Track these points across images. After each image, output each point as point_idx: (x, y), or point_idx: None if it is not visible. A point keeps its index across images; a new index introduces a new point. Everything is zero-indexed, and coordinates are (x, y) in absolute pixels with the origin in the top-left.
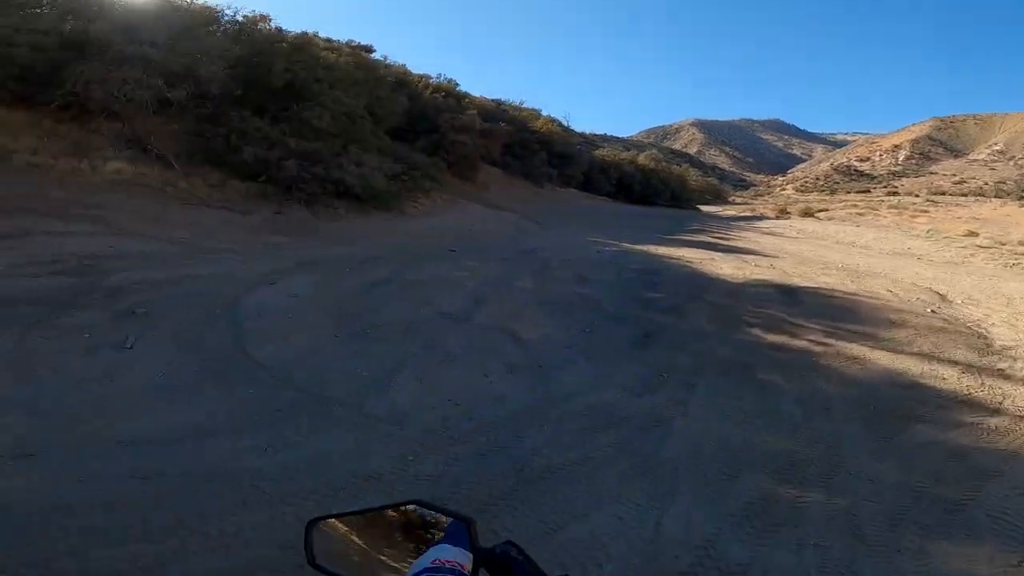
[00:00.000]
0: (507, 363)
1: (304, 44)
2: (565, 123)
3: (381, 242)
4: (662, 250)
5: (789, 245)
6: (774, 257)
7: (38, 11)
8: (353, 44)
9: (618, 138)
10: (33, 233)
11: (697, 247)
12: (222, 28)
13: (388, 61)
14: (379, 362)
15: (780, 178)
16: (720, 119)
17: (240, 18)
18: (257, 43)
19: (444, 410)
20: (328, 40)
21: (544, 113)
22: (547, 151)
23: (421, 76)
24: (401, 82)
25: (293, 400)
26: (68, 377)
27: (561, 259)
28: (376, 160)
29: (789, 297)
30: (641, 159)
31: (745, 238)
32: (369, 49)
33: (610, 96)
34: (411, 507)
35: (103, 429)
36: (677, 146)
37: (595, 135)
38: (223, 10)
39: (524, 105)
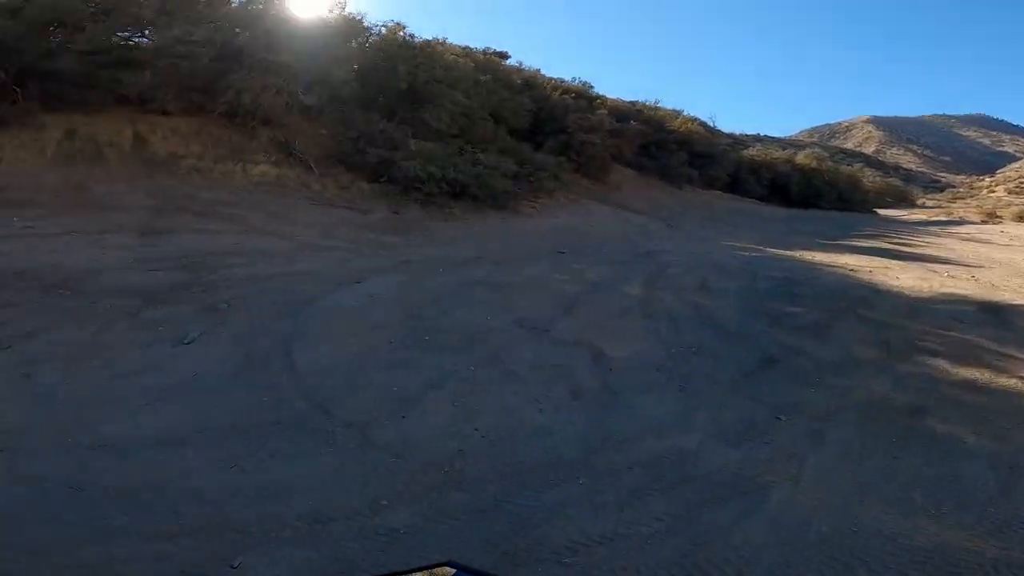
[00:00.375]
0: (573, 386)
1: (424, 48)
2: (710, 123)
3: (489, 242)
4: (817, 256)
5: (999, 253)
6: (977, 267)
7: (205, 24)
8: (489, 51)
9: (774, 138)
10: (177, 231)
11: (868, 253)
12: (366, 39)
13: (522, 66)
14: (419, 376)
15: (987, 178)
16: (902, 115)
17: (382, 29)
18: (388, 49)
19: (465, 442)
20: (465, 48)
21: (686, 113)
22: (687, 151)
23: (552, 79)
24: (529, 84)
25: (299, 413)
26: (112, 370)
27: (683, 263)
28: (495, 160)
29: (994, 318)
30: (801, 158)
31: (937, 244)
32: (503, 55)
33: (763, 95)
34: (447, 570)
35: (85, 430)
36: (849, 145)
37: (745, 135)
38: (366, 23)
39: (659, 105)
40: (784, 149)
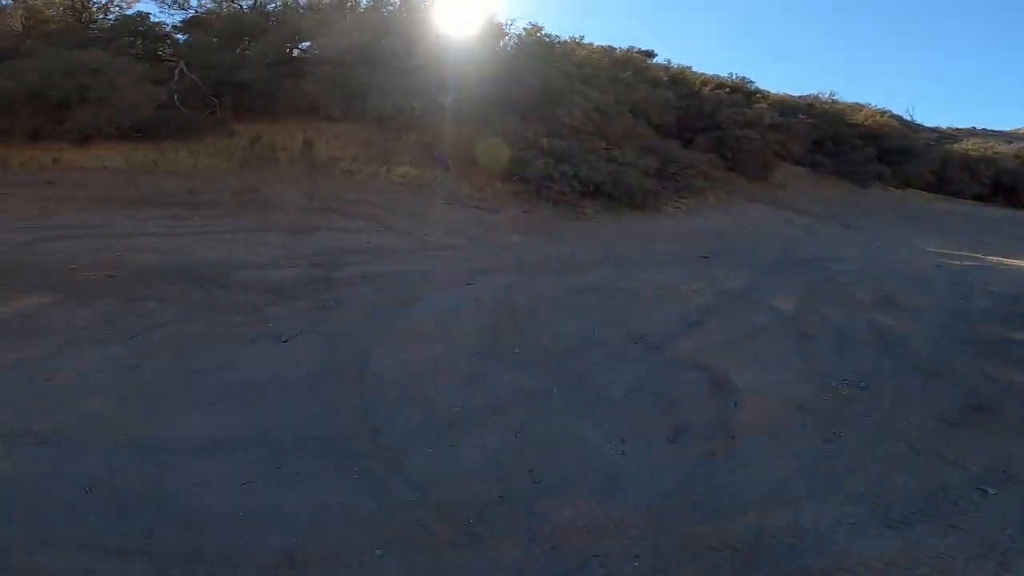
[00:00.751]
0: (676, 422)
1: (557, 46)
2: (907, 116)
3: (619, 244)
4: None
5: None
6: None
7: (353, 33)
8: (632, 50)
9: (995, 132)
10: (321, 229)
11: None
12: (505, 43)
13: (669, 63)
14: (487, 394)
15: None
16: None
17: (522, 32)
18: (525, 50)
19: (511, 486)
20: (604, 47)
21: (873, 106)
22: (875, 146)
23: (702, 74)
24: (675, 80)
25: (342, 429)
26: (204, 364)
27: (859, 272)
28: (633, 157)
29: None
30: None
31: None
32: (649, 54)
33: (975, 85)
34: None
35: (139, 427)
36: None
37: (956, 129)
38: (505, 28)
39: (836, 98)
40: (1009, 143)
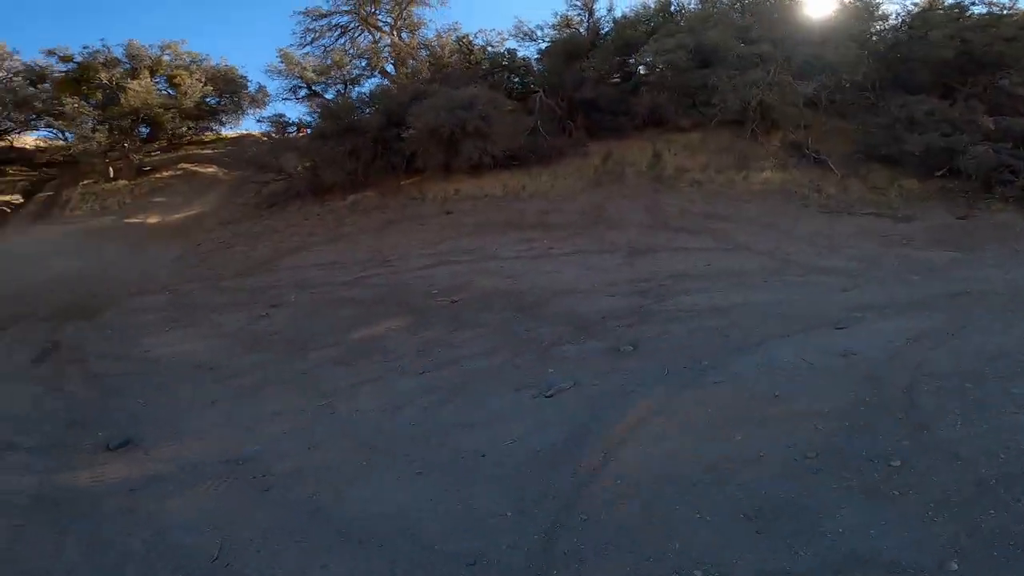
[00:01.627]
0: None
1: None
2: None
3: None
4: None
5: None
6: None
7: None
8: None
9: None
10: (656, 250)
11: None
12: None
13: None
14: (785, 552)
15: None
16: None
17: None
18: (919, 20)
19: None
20: None
21: None
22: None
23: None
24: None
25: (511, 550)
26: (453, 416)
27: None
28: None
29: None
30: None
31: None
32: None
33: None
34: None
35: (330, 493)
36: None
37: None
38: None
39: None
40: None
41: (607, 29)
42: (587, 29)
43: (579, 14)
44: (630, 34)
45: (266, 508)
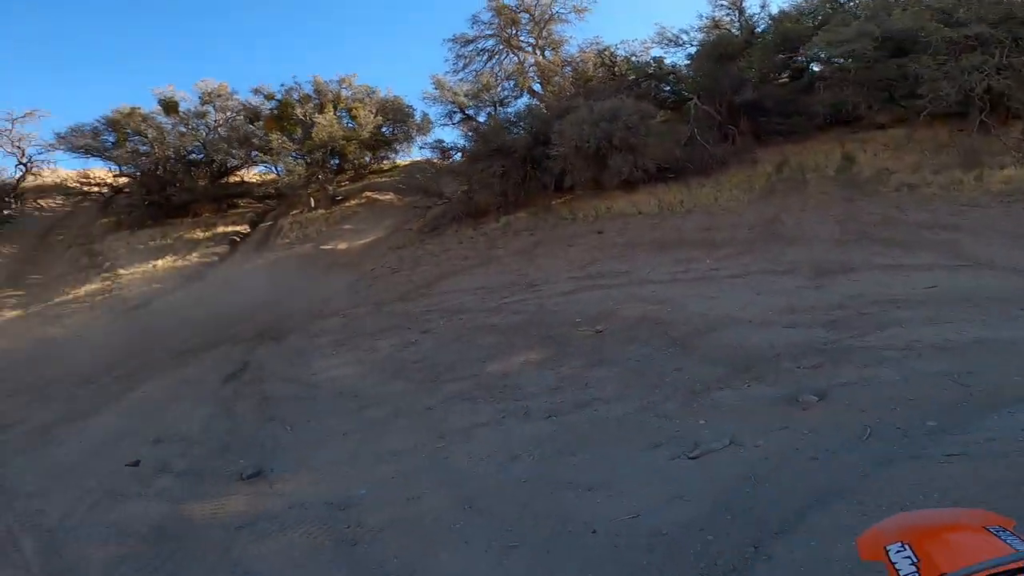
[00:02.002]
0: None
1: None
2: None
3: None
4: None
5: None
6: None
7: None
8: None
9: None
10: (855, 268)
11: None
12: None
13: None
14: None
15: None
16: None
17: None
18: None
19: None
20: None
21: None
22: None
23: None
24: None
25: None
26: (568, 475)
27: None
28: None
29: None
30: None
31: None
32: None
33: None
34: None
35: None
36: None
37: None
38: None
39: None
40: None
41: (763, 26)
42: (740, 28)
43: (728, 14)
44: (792, 28)
45: (346, 568)
